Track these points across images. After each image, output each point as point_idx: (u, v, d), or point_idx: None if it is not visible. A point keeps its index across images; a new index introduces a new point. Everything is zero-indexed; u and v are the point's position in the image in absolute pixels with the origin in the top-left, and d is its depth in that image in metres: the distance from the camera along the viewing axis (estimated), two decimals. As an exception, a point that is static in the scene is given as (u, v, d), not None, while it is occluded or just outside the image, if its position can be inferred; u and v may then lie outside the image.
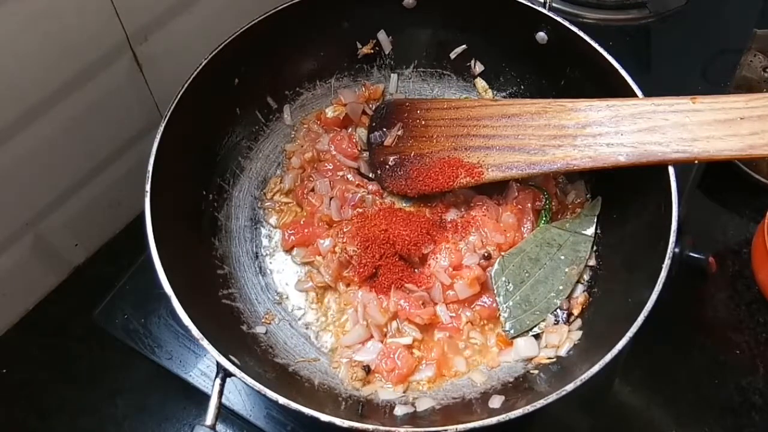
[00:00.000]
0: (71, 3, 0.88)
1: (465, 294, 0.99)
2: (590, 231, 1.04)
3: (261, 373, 0.88)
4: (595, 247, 1.04)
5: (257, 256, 1.08)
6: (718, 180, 1.20)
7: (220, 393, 0.79)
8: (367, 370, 0.96)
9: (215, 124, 1.08)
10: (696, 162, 0.92)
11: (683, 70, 1.34)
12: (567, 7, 1.40)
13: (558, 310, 0.99)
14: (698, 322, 1.09)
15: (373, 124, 1.15)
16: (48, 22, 0.86)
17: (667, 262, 0.85)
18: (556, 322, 0.99)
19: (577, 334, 0.95)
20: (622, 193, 1.01)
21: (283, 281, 1.06)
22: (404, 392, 0.95)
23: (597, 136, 0.94)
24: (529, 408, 0.76)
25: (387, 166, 1.11)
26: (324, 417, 0.76)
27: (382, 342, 0.98)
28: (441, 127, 1.08)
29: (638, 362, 1.02)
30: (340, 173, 1.13)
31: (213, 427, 0.77)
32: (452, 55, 1.20)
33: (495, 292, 1.01)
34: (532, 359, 0.96)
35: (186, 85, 0.96)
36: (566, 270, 1.01)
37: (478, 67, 1.20)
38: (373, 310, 0.99)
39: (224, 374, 0.79)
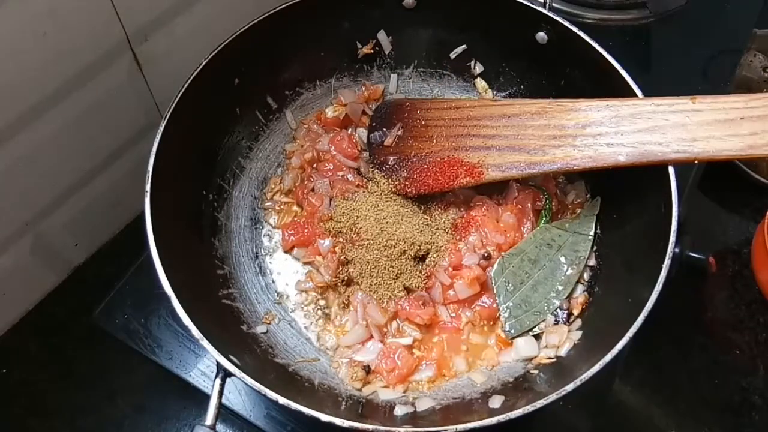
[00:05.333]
0: (71, 3, 0.88)
1: (465, 294, 0.99)
2: (590, 231, 1.04)
3: (261, 373, 0.87)
4: (595, 247, 1.04)
5: (257, 256, 1.08)
6: (718, 180, 1.20)
7: (220, 393, 0.79)
8: (367, 370, 0.96)
9: (215, 124, 1.08)
10: (696, 162, 0.92)
11: (683, 70, 1.35)
12: (567, 7, 1.40)
13: (558, 310, 0.99)
14: (698, 322, 1.09)
15: (373, 124, 1.15)
16: (48, 22, 0.86)
17: (667, 262, 0.85)
18: (556, 322, 0.99)
19: (577, 334, 0.95)
20: (622, 193, 1.01)
21: (283, 281, 1.06)
22: (404, 392, 0.95)
23: (597, 136, 0.94)
24: (529, 408, 0.76)
25: (387, 166, 1.11)
26: (324, 417, 0.76)
27: (382, 342, 0.99)
28: (441, 127, 1.08)
29: (638, 362, 1.03)
30: (340, 173, 1.13)
31: (213, 427, 0.77)
32: (452, 55, 1.20)
33: (495, 292, 1.01)
34: (532, 359, 0.96)
35: (186, 85, 0.96)
36: (566, 270, 1.01)
37: (478, 67, 1.20)
38: (373, 310, 0.99)
39: (224, 374, 0.79)
